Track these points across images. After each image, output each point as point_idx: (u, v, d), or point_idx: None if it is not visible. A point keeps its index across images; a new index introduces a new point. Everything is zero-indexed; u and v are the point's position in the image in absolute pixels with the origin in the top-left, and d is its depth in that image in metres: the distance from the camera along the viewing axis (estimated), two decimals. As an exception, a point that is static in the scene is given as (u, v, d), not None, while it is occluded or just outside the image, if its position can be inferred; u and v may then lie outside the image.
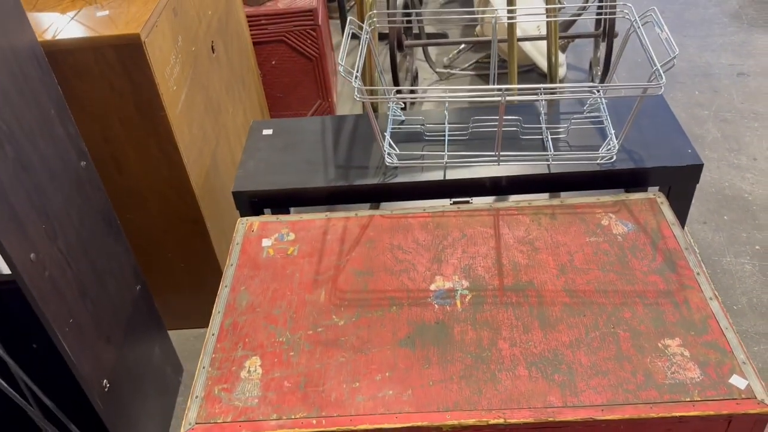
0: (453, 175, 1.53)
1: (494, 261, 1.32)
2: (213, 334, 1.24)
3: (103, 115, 1.54)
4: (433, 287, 1.28)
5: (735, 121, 2.63)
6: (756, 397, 1.04)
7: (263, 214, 1.58)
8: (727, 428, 1.05)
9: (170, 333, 1.86)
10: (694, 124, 2.63)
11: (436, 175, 1.53)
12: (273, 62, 2.50)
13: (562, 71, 2.90)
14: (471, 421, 1.05)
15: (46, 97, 1.26)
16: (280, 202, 1.57)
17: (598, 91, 1.62)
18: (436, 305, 1.24)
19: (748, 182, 2.30)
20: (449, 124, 1.67)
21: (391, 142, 1.58)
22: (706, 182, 2.31)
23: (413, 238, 1.39)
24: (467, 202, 1.53)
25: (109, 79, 1.48)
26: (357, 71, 1.34)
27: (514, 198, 1.60)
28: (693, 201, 1.51)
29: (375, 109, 1.98)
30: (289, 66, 2.52)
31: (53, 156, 1.28)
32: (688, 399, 1.05)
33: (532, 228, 1.39)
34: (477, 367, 1.13)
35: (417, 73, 3.07)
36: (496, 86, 1.34)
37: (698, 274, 1.25)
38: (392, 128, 1.65)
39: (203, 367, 1.18)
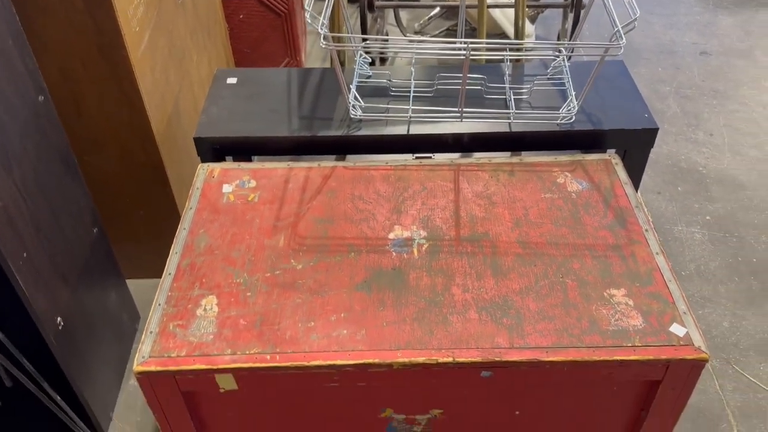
0: (417, 130, 1.55)
1: (452, 213, 1.35)
2: (170, 274, 1.24)
3: (65, 54, 1.50)
4: (391, 236, 1.30)
5: (695, 97, 2.70)
6: (693, 344, 1.09)
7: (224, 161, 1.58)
8: (665, 373, 1.10)
9: (128, 282, 1.85)
10: (655, 98, 2.69)
11: (400, 130, 1.55)
12: (241, 16, 2.46)
13: (530, 42, 2.92)
14: (421, 359, 1.08)
15: (5, 30, 1.23)
16: (242, 150, 1.57)
17: (561, 51, 1.65)
18: (393, 253, 1.27)
19: (703, 156, 2.38)
20: (415, 80, 1.68)
21: (357, 95, 1.59)
22: (663, 155, 2.38)
23: (374, 190, 1.41)
24: (429, 158, 1.55)
25: (71, 17, 1.45)
26: (324, 18, 1.33)
27: (476, 155, 1.63)
28: (649, 172, 1.56)
29: (342, 63, 1.98)
30: (257, 21, 2.49)
31: (10, 89, 1.25)
32: (630, 344, 1.10)
33: (491, 183, 1.42)
34: (430, 310, 1.16)
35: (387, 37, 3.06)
36: (462, 40, 1.35)
37: (646, 230, 1.30)
38: (358, 81, 1.66)
39: (159, 305, 1.19)
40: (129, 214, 1.80)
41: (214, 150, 1.55)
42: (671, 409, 1.17)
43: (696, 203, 2.17)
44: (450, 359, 1.08)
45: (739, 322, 1.75)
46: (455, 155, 1.59)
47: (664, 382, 1.12)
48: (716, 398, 1.63)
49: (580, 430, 1.27)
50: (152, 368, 1.09)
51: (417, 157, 1.55)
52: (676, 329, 1.12)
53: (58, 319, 1.36)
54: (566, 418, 1.24)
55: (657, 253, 1.25)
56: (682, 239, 2.05)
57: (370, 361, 1.08)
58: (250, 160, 1.61)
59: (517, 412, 1.22)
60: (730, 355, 1.72)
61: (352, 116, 1.56)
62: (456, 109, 1.54)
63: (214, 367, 1.09)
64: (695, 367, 1.10)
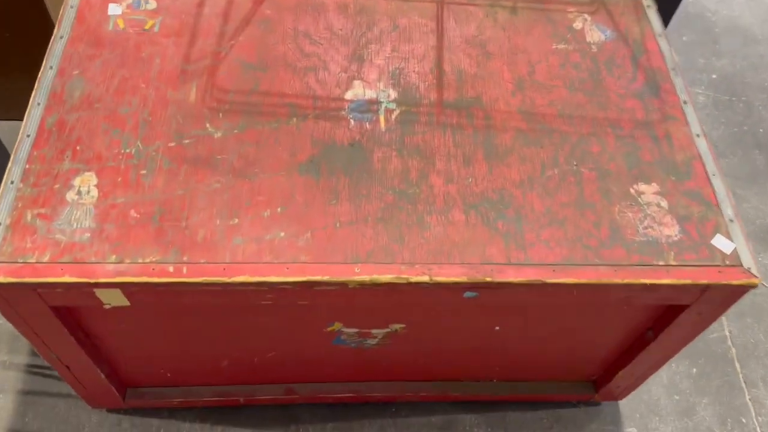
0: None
1: (433, 65, 0.98)
2: (28, 136, 0.86)
3: None
4: (349, 95, 0.94)
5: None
6: (742, 264, 0.83)
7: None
8: (699, 298, 0.85)
9: (1, 123, 1.45)
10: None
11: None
12: None
13: None
14: (387, 278, 0.79)
15: None
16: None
17: None
18: (352, 120, 0.92)
19: (713, 0, 2.01)
20: None
21: None
22: (667, -5, 1.99)
23: (326, 24, 1.01)
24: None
25: None
26: None
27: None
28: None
29: None
30: None
31: None
32: (662, 263, 0.83)
33: (486, 25, 1.04)
34: (400, 207, 0.84)
35: None
36: None
37: (685, 103, 0.99)
38: None
39: (11, 182, 0.82)
40: (-6, 39, 1.34)
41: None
42: (687, 333, 0.95)
43: (701, 57, 1.85)
44: (426, 278, 0.79)
45: (739, 204, 1.54)
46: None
47: (693, 307, 0.88)
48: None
49: (566, 347, 1.05)
50: (1, 279, 0.76)
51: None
52: (721, 243, 0.85)
53: None
54: (554, 336, 1.01)
55: (698, 135, 0.95)
56: (681, 101, 1.76)
57: (317, 278, 0.78)
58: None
59: (497, 328, 0.97)
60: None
61: None
62: None
63: (92, 281, 0.76)
64: (737, 293, 0.85)
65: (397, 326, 0.95)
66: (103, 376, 1.00)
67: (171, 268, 0.77)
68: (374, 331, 0.96)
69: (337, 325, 0.94)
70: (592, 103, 0.97)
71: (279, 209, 0.83)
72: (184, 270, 0.77)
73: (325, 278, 0.78)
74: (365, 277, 0.78)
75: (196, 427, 1.15)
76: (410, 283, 0.79)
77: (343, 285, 0.79)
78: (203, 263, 0.78)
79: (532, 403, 1.21)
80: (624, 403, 1.23)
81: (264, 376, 1.11)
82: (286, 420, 1.17)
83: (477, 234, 0.83)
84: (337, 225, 0.82)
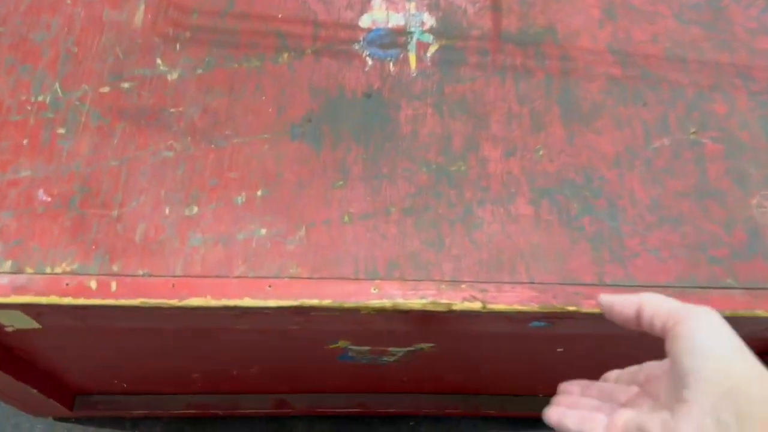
0: None
1: (485, -21, 0.69)
2: None
3: None
4: (365, 21, 0.65)
5: None
6: None
7: None
8: None
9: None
10: None
11: None
12: None
13: None
14: (417, 303, 0.52)
15: None
16: None
17: None
18: (369, 59, 0.63)
19: None
20: None
21: None
22: None
23: None
24: None
25: None
26: None
27: None
28: None
29: None
30: None
31: None
32: (825, 286, 0.56)
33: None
34: (438, 193, 0.57)
35: None
36: None
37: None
38: None
39: None
40: None
41: None
42: None
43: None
44: (477, 305, 0.53)
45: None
46: None
47: None
48: None
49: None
50: None
51: None
52: None
53: None
54: (628, 356, 0.75)
55: None
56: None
57: (313, 303, 0.52)
58: None
59: (560, 350, 0.72)
60: None
61: None
62: None
63: (-26, 302, 0.51)
64: None
65: (424, 345, 0.70)
66: (35, 391, 0.76)
67: (93, 283, 0.51)
68: (393, 349, 0.71)
69: (343, 343, 0.69)
70: (713, 42, 0.68)
71: (259, 193, 0.56)
72: (113, 287, 0.51)
73: (326, 302, 0.52)
74: (385, 302, 0.52)
75: (164, 443, 0.93)
76: (452, 311, 0.53)
77: (352, 311, 0.53)
78: (142, 276, 0.52)
79: (584, 420, 0.97)
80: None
81: (248, 387, 0.88)
82: (278, 435, 0.94)
83: (553, 236, 0.56)
84: (345, 219, 0.55)
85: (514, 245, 0.55)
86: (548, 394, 0.83)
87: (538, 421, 0.95)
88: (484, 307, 0.53)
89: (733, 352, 0.36)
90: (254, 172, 0.56)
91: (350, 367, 0.77)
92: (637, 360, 0.51)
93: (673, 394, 0.37)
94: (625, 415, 0.39)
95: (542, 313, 0.53)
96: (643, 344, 0.56)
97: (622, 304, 0.42)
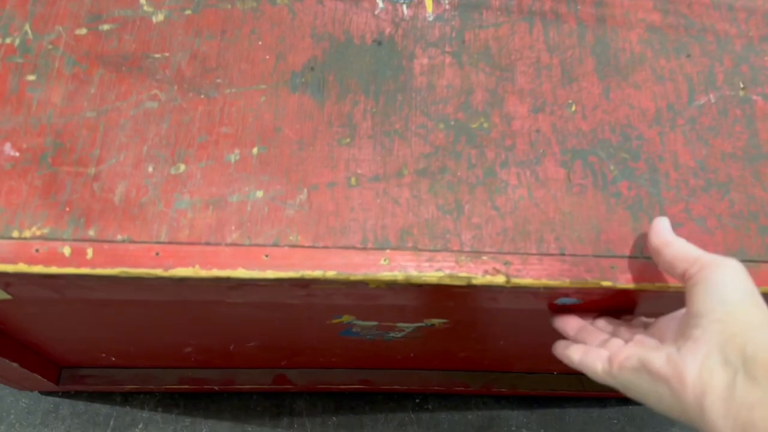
0: None
1: None
2: None
3: None
4: (373, -43, 0.58)
5: None
6: None
7: None
8: None
9: None
10: None
11: None
12: None
13: None
14: (433, 276, 0.46)
15: None
16: None
17: None
18: (379, 1, 0.56)
19: None
20: None
21: None
22: None
23: None
24: None
25: None
26: None
27: None
28: None
29: None
30: None
31: None
32: None
33: None
34: (457, 153, 0.50)
35: None
36: None
37: None
38: None
39: None
40: None
41: None
42: None
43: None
44: (500, 279, 0.47)
45: None
46: None
47: None
48: None
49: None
50: None
51: None
52: None
53: None
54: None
55: None
56: None
57: (316, 274, 0.46)
58: None
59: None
60: None
61: None
62: None
63: (-70, 270, 0.45)
64: None
65: (436, 321, 0.64)
66: (16, 365, 0.71)
67: (67, 250, 0.45)
68: (401, 324, 0.66)
69: (347, 318, 0.63)
70: (764, -14, 0.61)
71: (255, 150, 0.49)
72: (89, 253, 0.45)
73: (330, 274, 0.46)
74: (397, 275, 0.46)
75: (156, 418, 0.88)
76: (472, 286, 0.47)
77: (358, 284, 0.47)
78: (121, 242, 0.46)
79: (599, 399, 0.92)
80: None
81: (245, 361, 0.82)
82: (276, 411, 0.90)
83: (585, 203, 0.50)
84: (353, 182, 0.49)
85: (542, 212, 0.49)
86: (563, 371, 0.76)
87: (551, 400, 0.90)
88: (507, 282, 0.47)
89: (751, 303, 0.36)
90: (249, 127, 0.50)
91: (354, 342, 0.72)
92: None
93: (681, 334, 0.38)
94: (629, 350, 0.41)
95: (573, 288, 0.47)
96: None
97: (657, 234, 0.44)
